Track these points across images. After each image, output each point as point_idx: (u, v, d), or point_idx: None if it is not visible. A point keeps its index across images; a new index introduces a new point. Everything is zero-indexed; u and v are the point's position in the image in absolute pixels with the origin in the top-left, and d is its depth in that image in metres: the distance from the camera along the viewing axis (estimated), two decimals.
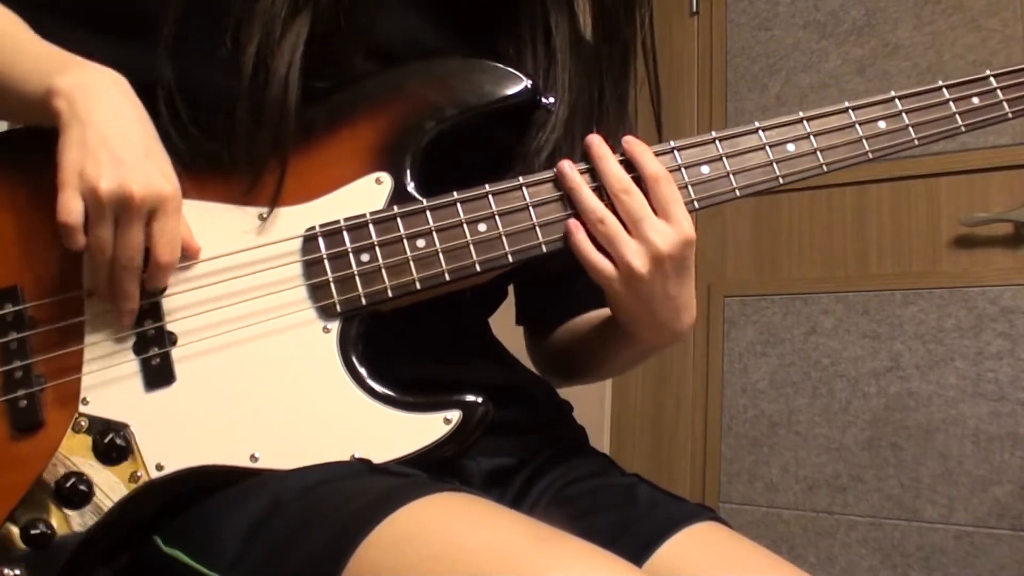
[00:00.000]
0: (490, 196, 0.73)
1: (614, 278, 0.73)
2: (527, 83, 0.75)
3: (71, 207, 0.65)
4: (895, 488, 1.92)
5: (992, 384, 1.85)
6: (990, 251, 1.89)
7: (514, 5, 0.83)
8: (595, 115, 0.82)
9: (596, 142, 0.75)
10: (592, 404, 2.23)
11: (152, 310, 0.70)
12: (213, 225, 0.72)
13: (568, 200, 0.74)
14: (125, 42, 0.75)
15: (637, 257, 0.72)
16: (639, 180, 0.74)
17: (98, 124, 0.66)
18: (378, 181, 0.73)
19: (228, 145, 0.71)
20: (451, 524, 0.58)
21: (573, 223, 0.73)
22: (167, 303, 0.70)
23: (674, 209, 0.73)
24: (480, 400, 0.69)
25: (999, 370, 1.84)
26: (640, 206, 0.72)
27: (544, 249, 0.73)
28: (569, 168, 0.74)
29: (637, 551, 0.70)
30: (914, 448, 1.91)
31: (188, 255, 0.71)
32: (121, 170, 0.65)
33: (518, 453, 0.84)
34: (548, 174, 0.74)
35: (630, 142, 0.75)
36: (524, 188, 0.74)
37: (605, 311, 0.89)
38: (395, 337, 0.72)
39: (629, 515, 0.76)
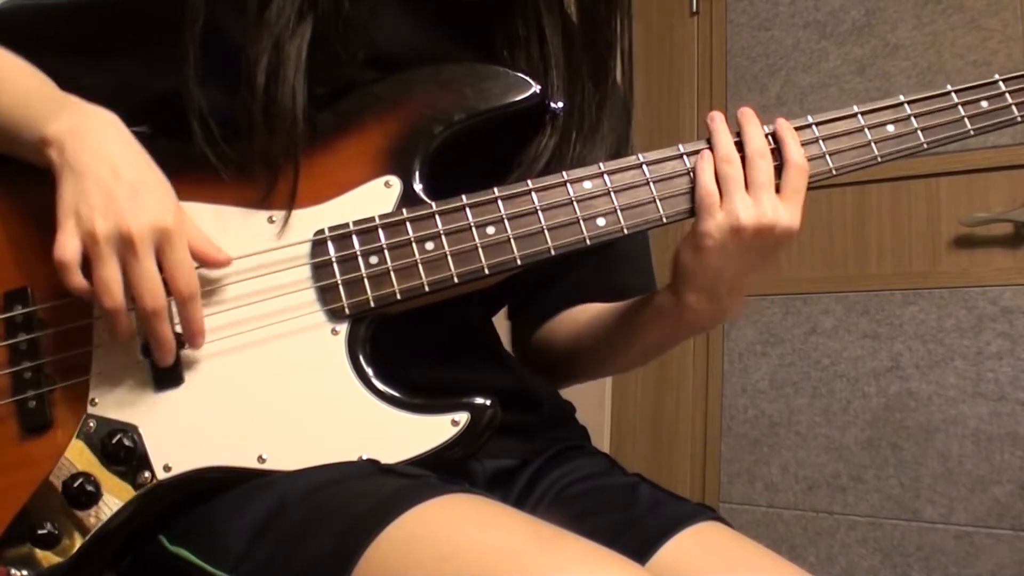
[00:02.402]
0: (499, 200, 0.73)
1: (713, 212, 0.73)
2: (536, 88, 0.76)
3: (67, 244, 0.65)
4: (895, 488, 1.92)
5: (992, 384, 1.85)
6: (990, 251, 1.89)
7: (509, 10, 0.83)
8: (580, 118, 0.82)
9: (748, 110, 0.77)
10: (592, 404, 2.23)
11: None
12: (223, 228, 0.72)
13: (709, 140, 0.76)
14: (131, 63, 0.76)
15: (746, 209, 0.73)
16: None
17: (89, 166, 0.66)
18: (387, 184, 0.73)
19: (244, 152, 0.72)
20: (460, 526, 0.58)
21: (705, 152, 0.75)
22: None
23: (797, 200, 0.74)
24: (488, 402, 0.69)
25: (999, 370, 1.85)
26: (768, 175, 0.74)
27: (553, 253, 0.73)
28: (717, 114, 0.76)
29: (638, 551, 0.70)
30: (914, 448, 1.91)
31: (218, 264, 0.70)
32: (115, 207, 0.65)
33: (521, 454, 0.84)
34: (556, 178, 0.75)
35: (780, 123, 0.76)
36: (533, 192, 0.74)
37: (613, 305, 0.89)
38: (403, 339, 0.72)
39: (630, 515, 0.76)
